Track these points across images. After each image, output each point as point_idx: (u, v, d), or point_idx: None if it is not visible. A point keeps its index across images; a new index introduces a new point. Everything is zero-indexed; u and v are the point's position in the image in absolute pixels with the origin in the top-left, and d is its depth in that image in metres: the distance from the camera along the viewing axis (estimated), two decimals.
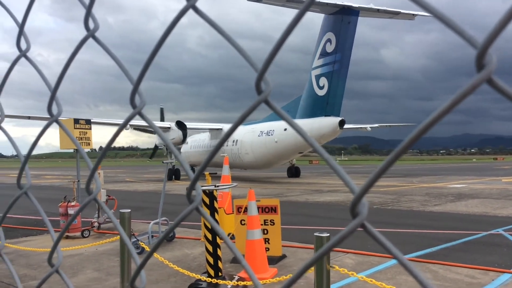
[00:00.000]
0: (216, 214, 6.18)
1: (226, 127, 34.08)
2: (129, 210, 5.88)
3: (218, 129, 34.60)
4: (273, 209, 7.57)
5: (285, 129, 26.04)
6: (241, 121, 0.69)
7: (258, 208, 7.46)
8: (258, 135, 28.63)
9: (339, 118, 23.52)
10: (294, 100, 26.80)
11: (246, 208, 7.34)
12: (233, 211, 8.65)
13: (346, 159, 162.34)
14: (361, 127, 41.39)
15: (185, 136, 30.68)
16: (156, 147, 39.28)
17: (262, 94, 0.66)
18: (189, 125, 33.13)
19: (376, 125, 42.54)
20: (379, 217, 11.60)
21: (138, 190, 23.09)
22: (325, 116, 23.75)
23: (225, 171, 9.40)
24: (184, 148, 41.98)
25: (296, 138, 25.02)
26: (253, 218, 6.76)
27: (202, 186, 7.41)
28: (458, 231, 9.59)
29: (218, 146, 0.70)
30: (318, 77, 24.33)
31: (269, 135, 27.67)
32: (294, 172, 34.75)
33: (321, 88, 24.16)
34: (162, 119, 41.80)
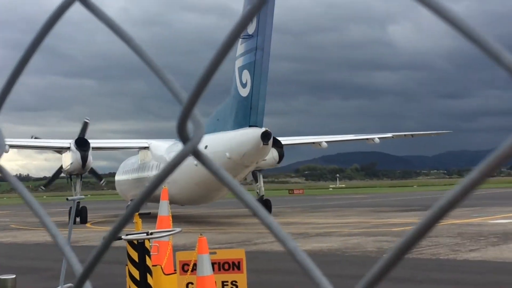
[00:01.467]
0: (149, 275, 6.08)
1: (154, 144, 33.81)
2: (13, 276, 5.67)
3: (144, 147, 34.49)
4: (236, 265, 7.53)
5: (206, 147, 25.80)
6: (162, 179, 0.69)
7: (214, 264, 7.40)
8: None
9: (262, 129, 24.21)
10: (226, 103, 27.27)
11: (195, 264, 7.26)
12: (175, 270, 8.54)
13: (343, 186, 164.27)
14: (366, 138, 41.81)
15: (84, 160, 30.10)
16: (58, 172, 37.42)
17: (189, 143, 0.65)
18: (95, 143, 32.41)
19: (389, 134, 43.05)
20: None
21: (29, 242, 22.37)
22: (250, 126, 24.66)
23: (163, 210, 9.29)
24: (117, 175, 41.38)
25: (213, 157, 25.16)
26: (205, 279, 6.69)
27: (128, 234, 7.28)
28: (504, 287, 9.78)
29: (146, 194, 0.70)
30: (241, 70, 25.31)
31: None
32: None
33: (244, 85, 25.09)
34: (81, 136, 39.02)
